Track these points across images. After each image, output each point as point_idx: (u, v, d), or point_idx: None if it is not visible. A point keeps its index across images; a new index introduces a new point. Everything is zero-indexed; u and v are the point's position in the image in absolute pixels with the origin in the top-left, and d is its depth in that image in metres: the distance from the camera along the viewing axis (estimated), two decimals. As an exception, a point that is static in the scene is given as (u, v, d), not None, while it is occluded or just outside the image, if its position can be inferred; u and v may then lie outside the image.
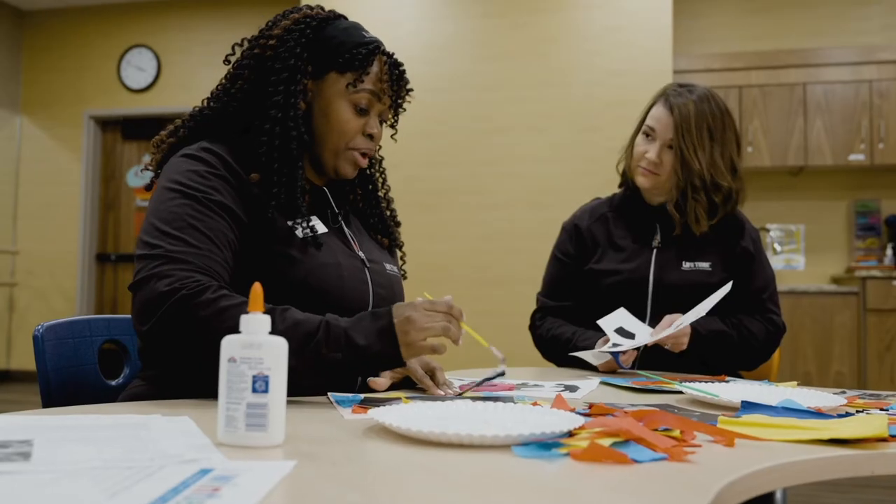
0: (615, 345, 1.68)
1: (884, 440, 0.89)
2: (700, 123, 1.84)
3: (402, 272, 1.53)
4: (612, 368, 1.72)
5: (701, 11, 5.72)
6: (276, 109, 1.28)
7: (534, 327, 2.02)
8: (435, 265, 5.28)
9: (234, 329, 0.89)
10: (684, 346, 1.74)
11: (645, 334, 1.71)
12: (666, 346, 1.73)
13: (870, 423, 0.94)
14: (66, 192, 6.82)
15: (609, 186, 2.16)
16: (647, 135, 1.91)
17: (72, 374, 1.42)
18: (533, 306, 2.07)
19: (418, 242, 5.26)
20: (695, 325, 1.76)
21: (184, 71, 6.63)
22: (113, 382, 1.48)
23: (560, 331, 1.92)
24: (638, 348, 1.73)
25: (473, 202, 5.30)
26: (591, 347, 1.78)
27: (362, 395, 1.19)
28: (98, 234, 6.89)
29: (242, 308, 1.07)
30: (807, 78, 5.30)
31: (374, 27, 5.79)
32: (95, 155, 6.89)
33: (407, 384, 1.36)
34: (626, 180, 2.02)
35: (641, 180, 1.91)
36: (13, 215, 6.94)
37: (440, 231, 5.33)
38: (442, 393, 1.26)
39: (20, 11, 6.99)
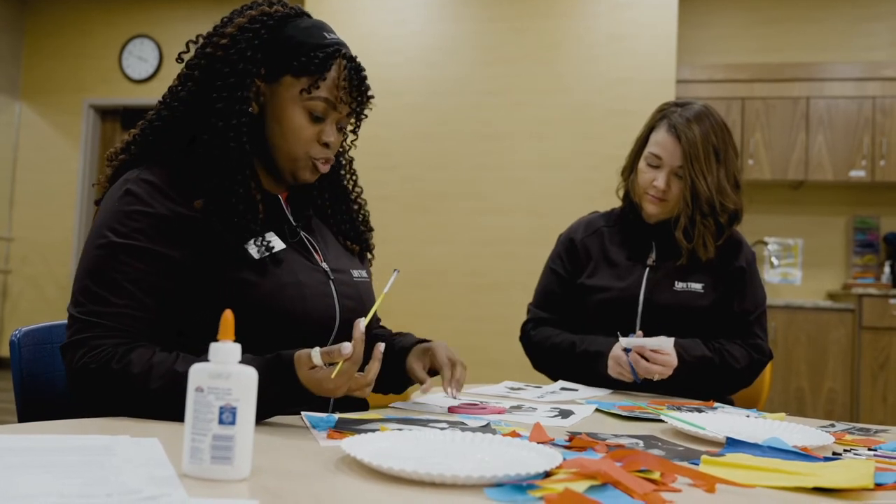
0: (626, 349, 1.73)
1: (869, 490, 0.87)
2: (707, 147, 1.80)
3: (369, 274, 1.47)
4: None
5: (706, 22, 5.69)
6: (216, 118, 1.21)
7: (526, 337, 2.00)
8: (431, 269, 5.25)
9: (148, 388, 1.07)
10: (668, 374, 1.72)
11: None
12: (654, 378, 1.71)
13: (856, 471, 0.92)
14: (64, 181, 6.79)
15: (608, 195, 2.14)
16: (653, 165, 1.86)
17: (49, 380, 1.40)
18: None
19: (414, 245, 5.24)
20: (679, 351, 1.73)
21: (185, 63, 6.59)
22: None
23: (560, 339, 1.91)
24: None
25: (471, 207, 5.27)
26: (599, 349, 1.80)
27: (337, 416, 1.16)
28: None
29: (147, 366, 1.10)
30: (810, 92, 5.28)
31: (377, 29, 5.73)
32: (94, 144, 6.86)
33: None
34: (628, 198, 1.98)
35: (651, 208, 1.87)
36: (10, 202, 6.91)
37: (437, 234, 5.30)
38: (449, 393, 1.36)
39: (23, -3, 6.96)
